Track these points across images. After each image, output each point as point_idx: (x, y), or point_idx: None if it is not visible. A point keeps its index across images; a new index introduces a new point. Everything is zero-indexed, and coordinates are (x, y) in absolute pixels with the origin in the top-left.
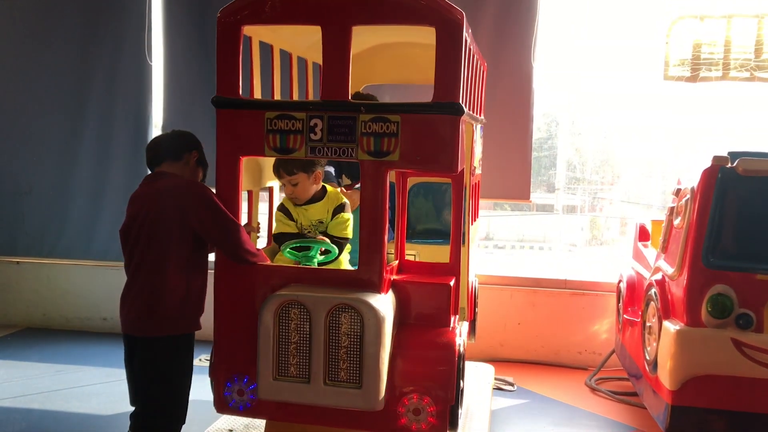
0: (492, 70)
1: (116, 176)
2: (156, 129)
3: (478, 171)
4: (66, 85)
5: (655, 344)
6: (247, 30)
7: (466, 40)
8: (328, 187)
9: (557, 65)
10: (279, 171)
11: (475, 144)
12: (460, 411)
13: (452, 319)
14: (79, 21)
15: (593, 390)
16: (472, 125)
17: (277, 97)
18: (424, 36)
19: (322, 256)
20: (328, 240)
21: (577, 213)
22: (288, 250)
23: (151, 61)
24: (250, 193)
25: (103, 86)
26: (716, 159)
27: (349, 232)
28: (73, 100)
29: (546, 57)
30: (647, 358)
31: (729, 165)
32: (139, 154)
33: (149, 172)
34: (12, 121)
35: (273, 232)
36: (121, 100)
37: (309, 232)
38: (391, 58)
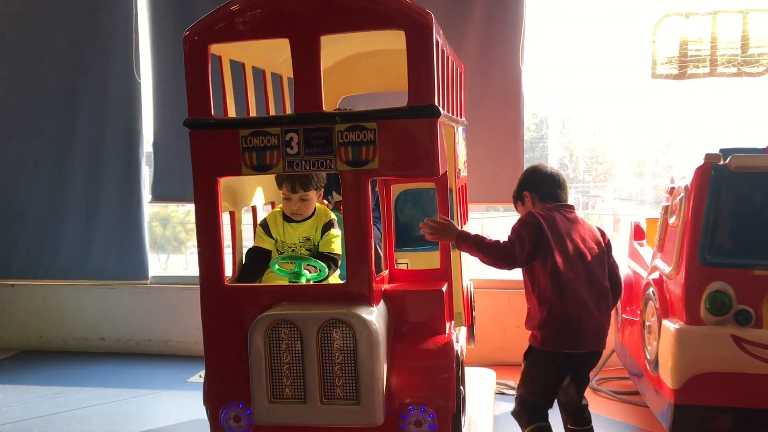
0: (480, 74)
1: (108, 194)
2: (147, 145)
3: (464, 173)
4: (54, 105)
5: (655, 343)
6: (216, 49)
7: (437, 41)
8: (317, 204)
9: (546, 65)
10: (294, 186)
11: (457, 146)
12: (463, 419)
13: (448, 325)
14: (65, 40)
15: (595, 390)
16: (453, 127)
17: (254, 115)
18: (398, 41)
19: (312, 274)
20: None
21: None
22: (277, 267)
23: (139, 78)
24: (232, 214)
25: (92, 104)
26: (708, 157)
27: (339, 248)
28: (62, 120)
29: (534, 57)
30: (648, 357)
31: (721, 162)
32: (131, 171)
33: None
34: (0, 143)
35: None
36: (110, 118)
37: (293, 249)
38: (368, 67)
